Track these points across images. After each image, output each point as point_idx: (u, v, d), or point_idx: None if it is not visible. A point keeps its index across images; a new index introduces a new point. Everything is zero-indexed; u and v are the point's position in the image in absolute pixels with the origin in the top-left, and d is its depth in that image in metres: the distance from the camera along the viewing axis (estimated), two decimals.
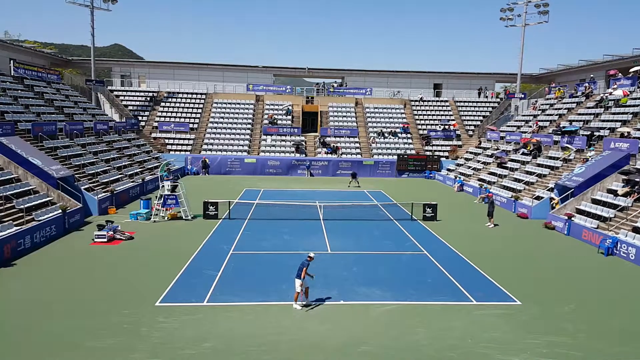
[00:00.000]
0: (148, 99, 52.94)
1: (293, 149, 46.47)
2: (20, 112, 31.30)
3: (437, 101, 56.54)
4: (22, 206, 20.71)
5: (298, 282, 13.40)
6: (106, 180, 28.91)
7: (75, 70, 61.37)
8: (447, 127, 50.91)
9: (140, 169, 34.95)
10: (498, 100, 56.90)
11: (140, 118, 49.63)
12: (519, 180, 32.01)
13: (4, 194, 20.79)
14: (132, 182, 31.14)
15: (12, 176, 22.90)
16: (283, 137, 48.59)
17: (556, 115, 39.55)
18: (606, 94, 36.50)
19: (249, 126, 49.95)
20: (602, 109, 35.08)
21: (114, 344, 11.24)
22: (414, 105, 55.13)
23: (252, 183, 38.02)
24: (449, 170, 42.89)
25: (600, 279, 17.02)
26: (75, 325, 12.19)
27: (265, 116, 51.16)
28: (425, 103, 55.78)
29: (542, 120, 39.93)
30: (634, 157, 25.79)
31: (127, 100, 52.53)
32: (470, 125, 52.89)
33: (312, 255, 14.09)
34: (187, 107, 52.21)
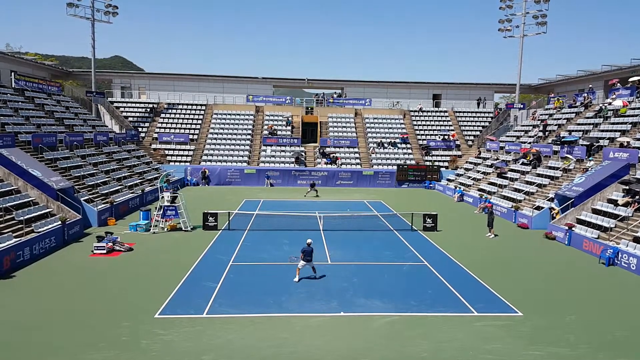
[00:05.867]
0: (148, 110, 53.11)
1: (293, 160, 46.53)
2: (20, 124, 31.41)
3: (437, 111, 56.74)
4: (21, 218, 20.69)
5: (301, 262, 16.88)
6: (106, 191, 28.90)
7: (76, 82, 61.62)
8: (446, 137, 51.03)
9: (140, 180, 34.96)
10: (493, 111, 57.14)
11: (140, 129, 49.74)
12: (519, 190, 31.99)
13: (4, 205, 20.78)
14: (131, 193, 31.13)
15: (12, 188, 22.89)
16: (283, 148, 48.70)
17: (555, 125, 39.66)
18: (605, 104, 36.65)
19: (249, 137, 50.06)
20: (602, 119, 35.19)
21: (113, 357, 11.15)
22: (413, 116, 55.32)
23: (251, 194, 38.01)
24: (448, 180, 42.89)
25: (602, 289, 16.93)
26: (74, 337, 12.11)
27: (265, 127, 51.31)
28: (425, 113, 55.97)
29: (542, 130, 39.97)
30: (634, 167, 25.82)
31: (127, 112, 52.71)
32: (469, 135, 53.03)
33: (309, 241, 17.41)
34: (187, 118, 52.36)
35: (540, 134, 39.27)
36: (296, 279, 16.75)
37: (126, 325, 12.88)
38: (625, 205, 23.03)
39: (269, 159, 47.04)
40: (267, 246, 21.57)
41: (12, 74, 38.55)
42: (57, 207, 23.29)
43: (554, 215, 26.01)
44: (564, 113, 41.21)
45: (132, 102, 54.58)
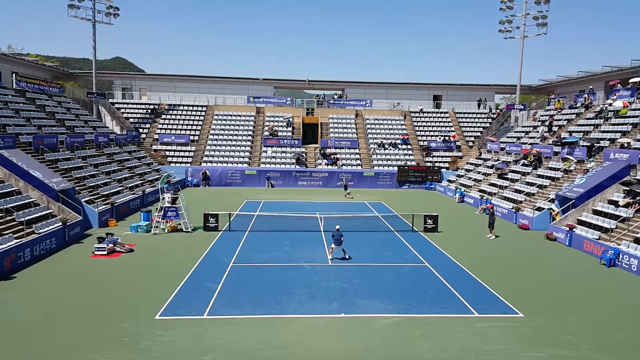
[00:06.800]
0: (149, 111, 53.16)
1: (294, 161, 46.56)
2: (21, 125, 31.45)
3: (437, 112, 56.74)
4: (22, 219, 20.69)
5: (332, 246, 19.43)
6: (107, 192, 28.93)
7: (77, 83, 61.74)
8: (447, 138, 51.03)
9: (140, 181, 34.98)
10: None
11: (141, 130, 49.79)
12: (519, 192, 31.97)
13: (5, 206, 20.79)
14: (132, 194, 31.15)
15: (13, 189, 22.91)
16: (283, 149, 48.73)
17: (556, 126, 39.62)
18: (606, 105, 36.63)
19: (250, 138, 50.09)
20: (602, 120, 35.18)
21: (113, 358, 11.15)
22: (414, 117, 55.33)
23: (252, 195, 38.02)
24: (449, 181, 42.89)
25: (603, 290, 16.91)
26: (74, 338, 12.11)
27: (266, 128, 51.33)
28: (425, 114, 55.98)
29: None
30: (635, 168, 25.81)
31: (128, 113, 52.77)
32: (470, 136, 53.02)
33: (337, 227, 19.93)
34: (188, 119, 52.41)
35: (546, 133, 39.14)
36: (330, 257, 19.61)
37: (126, 326, 12.88)
38: (626, 206, 23.01)
39: (269, 160, 47.07)
40: (268, 247, 21.56)
41: (14, 75, 38.60)
42: (58, 208, 23.30)
43: (554, 216, 25.99)
44: (564, 114, 41.18)
45: (133, 103, 54.64)
